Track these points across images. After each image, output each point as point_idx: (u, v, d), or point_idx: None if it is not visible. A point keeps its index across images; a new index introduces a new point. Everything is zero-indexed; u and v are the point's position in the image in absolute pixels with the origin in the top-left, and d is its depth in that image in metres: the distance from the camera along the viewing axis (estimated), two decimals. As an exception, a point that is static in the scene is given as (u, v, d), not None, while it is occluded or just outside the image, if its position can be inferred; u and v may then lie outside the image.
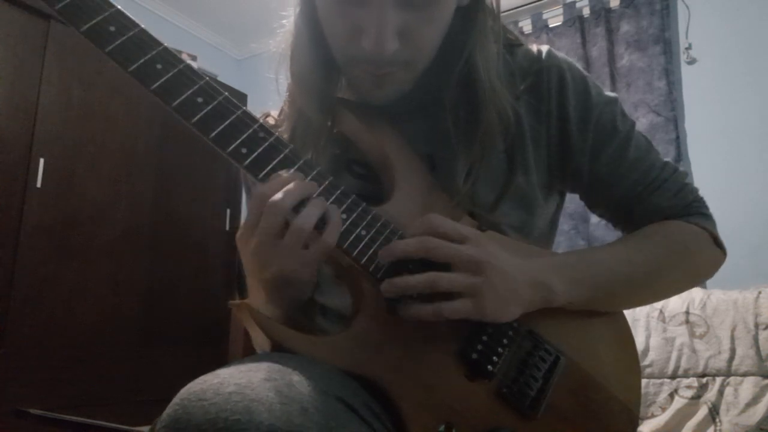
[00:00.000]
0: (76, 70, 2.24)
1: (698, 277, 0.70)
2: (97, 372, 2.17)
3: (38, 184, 2.08)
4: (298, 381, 0.41)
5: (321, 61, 0.65)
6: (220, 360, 2.07)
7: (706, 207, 0.72)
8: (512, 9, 2.83)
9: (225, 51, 3.67)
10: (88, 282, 2.19)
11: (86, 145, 2.26)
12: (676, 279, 0.68)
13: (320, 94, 0.66)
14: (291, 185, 0.50)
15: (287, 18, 0.68)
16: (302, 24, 0.65)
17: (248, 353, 0.54)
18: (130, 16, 0.53)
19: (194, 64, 3.27)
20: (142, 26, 0.52)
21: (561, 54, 0.71)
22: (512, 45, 0.70)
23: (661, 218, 0.69)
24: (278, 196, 0.49)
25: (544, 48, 0.70)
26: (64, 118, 2.19)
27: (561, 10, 2.71)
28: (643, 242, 0.67)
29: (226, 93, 0.53)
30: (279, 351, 0.50)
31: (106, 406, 2.13)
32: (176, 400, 0.39)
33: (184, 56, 3.22)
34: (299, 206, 0.50)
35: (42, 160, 2.10)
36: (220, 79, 3.01)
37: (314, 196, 0.52)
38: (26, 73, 2.11)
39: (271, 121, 0.74)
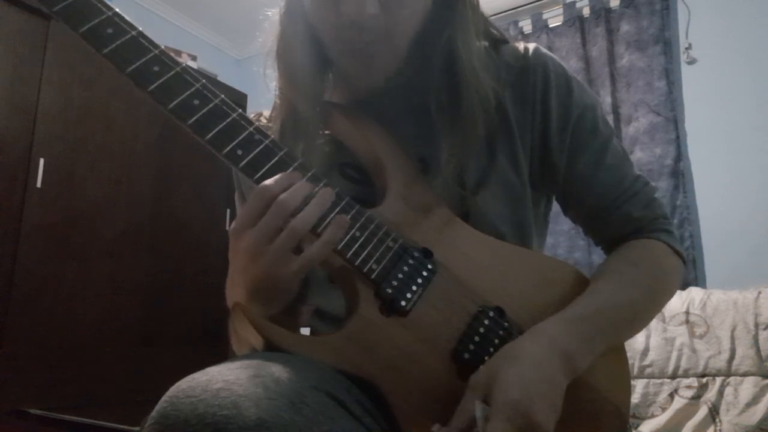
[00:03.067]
0: (76, 70, 2.24)
1: (670, 296, 0.72)
2: (97, 372, 2.17)
3: (38, 184, 2.08)
4: (287, 378, 0.41)
5: (309, 54, 0.66)
6: (220, 360, 2.07)
7: (671, 223, 0.73)
8: (512, 9, 2.83)
9: (225, 51, 3.67)
10: (88, 282, 2.19)
11: (86, 145, 2.26)
12: (663, 302, 0.70)
13: (309, 89, 0.66)
14: (297, 185, 0.50)
15: (274, 12, 0.69)
16: (287, 17, 0.66)
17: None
18: (128, 19, 0.53)
19: (194, 64, 3.24)
20: (140, 29, 0.53)
21: (548, 52, 0.71)
22: (497, 41, 0.71)
23: (630, 228, 0.70)
24: (285, 196, 0.49)
25: (531, 45, 0.70)
26: (64, 118, 2.20)
27: (561, 10, 2.72)
28: (638, 274, 0.66)
29: (223, 95, 0.54)
30: (272, 351, 0.50)
31: (106, 406, 2.13)
32: (165, 397, 0.39)
33: (183, 56, 3.19)
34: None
35: (42, 160, 2.10)
36: (220, 79, 3.01)
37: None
38: (26, 73, 2.11)
39: (263, 120, 0.75)
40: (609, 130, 0.71)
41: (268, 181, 0.51)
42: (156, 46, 0.53)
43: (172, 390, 0.39)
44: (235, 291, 0.56)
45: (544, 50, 0.71)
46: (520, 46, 0.70)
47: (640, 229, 0.70)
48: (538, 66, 0.68)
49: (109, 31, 0.51)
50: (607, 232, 0.72)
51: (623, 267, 0.67)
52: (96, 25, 0.51)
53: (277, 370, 0.42)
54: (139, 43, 0.52)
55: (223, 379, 0.39)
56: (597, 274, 0.68)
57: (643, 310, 0.67)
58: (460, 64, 0.63)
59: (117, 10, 0.53)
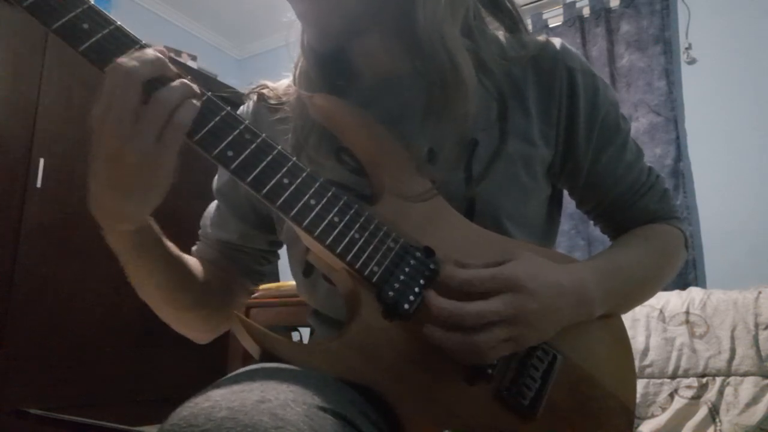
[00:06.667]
0: (76, 70, 2.24)
1: (673, 277, 0.76)
2: (97, 372, 2.17)
3: (38, 184, 2.08)
4: (293, 399, 0.40)
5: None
6: (220, 360, 2.07)
7: (678, 210, 0.78)
8: (512, 9, 2.82)
9: (225, 51, 3.67)
10: (88, 282, 2.19)
11: (86, 145, 2.25)
12: (666, 280, 0.73)
13: (324, 70, 0.68)
14: (149, 56, 0.47)
15: None
16: None
17: (248, 355, 0.54)
18: (105, 13, 0.49)
19: (194, 64, 3.21)
20: (118, 23, 0.50)
21: (573, 49, 0.71)
22: (515, 22, 0.71)
23: (648, 219, 0.74)
24: (132, 63, 0.46)
25: (557, 40, 0.70)
26: (64, 118, 2.19)
27: (561, 10, 2.71)
28: (650, 247, 0.70)
29: (209, 93, 0.51)
30: (271, 360, 0.49)
31: (106, 406, 2.13)
32: (166, 426, 0.37)
33: (184, 56, 3.16)
34: (157, 85, 0.47)
35: (42, 160, 2.10)
36: (220, 79, 3.01)
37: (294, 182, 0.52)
38: (26, 73, 2.11)
39: (269, 93, 0.74)
40: (627, 126, 0.73)
41: (122, 59, 0.46)
42: (136, 41, 0.49)
43: (174, 417, 0.37)
44: (100, 187, 0.51)
45: (570, 47, 0.70)
46: (543, 38, 0.70)
47: (656, 219, 0.74)
48: (566, 61, 0.68)
49: (85, 26, 0.48)
50: (623, 224, 0.74)
51: (640, 240, 0.71)
52: (70, 21, 0.47)
53: (282, 391, 0.40)
54: (118, 39, 0.49)
55: (227, 407, 0.37)
56: (616, 243, 0.72)
57: (652, 280, 0.71)
58: (420, 37, 0.62)
59: (92, 3, 0.49)
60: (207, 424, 0.35)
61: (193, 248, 0.80)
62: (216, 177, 0.80)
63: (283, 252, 0.78)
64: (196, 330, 0.75)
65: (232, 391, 0.39)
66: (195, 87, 0.49)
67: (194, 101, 0.48)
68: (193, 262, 0.71)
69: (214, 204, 0.81)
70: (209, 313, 0.72)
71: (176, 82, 0.48)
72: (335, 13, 0.62)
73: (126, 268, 0.62)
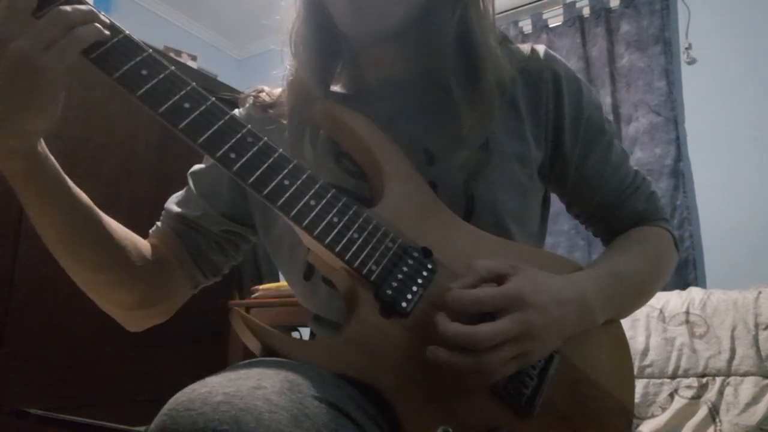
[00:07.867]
0: (76, 70, 2.23)
1: (668, 279, 0.76)
2: (97, 372, 2.17)
3: (38, 184, 2.08)
4: (288, 388, 0.41)
5: (320, 39, 0.67)
6: (220, 360, 2.07)
7: (667, 212, 0.79)
8: (512, 9, 2.83)
9: (225, 51, 3.67)
10: (88, 282, 2.19)
11: (86, 145, 2.26)
12: (662, 283, 0.74)
13: (318, 72, 0.67)
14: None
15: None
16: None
17: (248, 353, 0.54)
18: (114, 23, 0.52)
19: (194, 64, 3.21)
20: (127, 32, 0.52)
21: (557, 55, 0.73)
22: (503, 38, 0.73)
23: (636, 220, 0.75)
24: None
25: (540, 47, 0.72)
26: (64, 118, 2.18)
27: (561, 10, 2.72)
28: (645, 251, 0.71)
29: (213, 98, 0.53)
30: (272, 356, 0.49)
31: (106, 406, 2.13)
32: (164, 410, 0.38)
33: (184, 56, 3.15)
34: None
35: (42, 160, 2.10)
36: (220, 79, 3.00)
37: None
38: (26, 73, 2.11)
39: (265, 97, 0.75)
40: (612, 129, 0.75)
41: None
42: (144, 49, 0.51)
43: (171, 402, 0.38)
44: None
45: (554, 53, 0.73)
46: (527, 47, 0.72)
47: (644, 220, 0.75)
48: (550, 66, 0.70)
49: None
50: (612, 226, 0.76)
51: (633, 244, 0.72)
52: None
53: (278, 380, 0.41)
54: (126, 47, 0.51)
55: (223, 392, 0.38)
56: (611, 248, 0.73)
57: (649, 284, 0.72)
58: (476, 45, 0.64)
59: (102, 13, 0.51)
60: (203, 408, 0.36)
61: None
62: (195, 166, 0.78)
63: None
64: (106, 298, 0.71)
65: (229, 378, 0.40)
66: (106, 20, 0.51)
67: (100, 27, 0.50)
68: (123, 230, 0.68)
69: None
70: (121, 281, 0.68)
71: (84, 6, 0.50)
72: (375, 25, 0.63)
73: (25, 207, 0.59)
